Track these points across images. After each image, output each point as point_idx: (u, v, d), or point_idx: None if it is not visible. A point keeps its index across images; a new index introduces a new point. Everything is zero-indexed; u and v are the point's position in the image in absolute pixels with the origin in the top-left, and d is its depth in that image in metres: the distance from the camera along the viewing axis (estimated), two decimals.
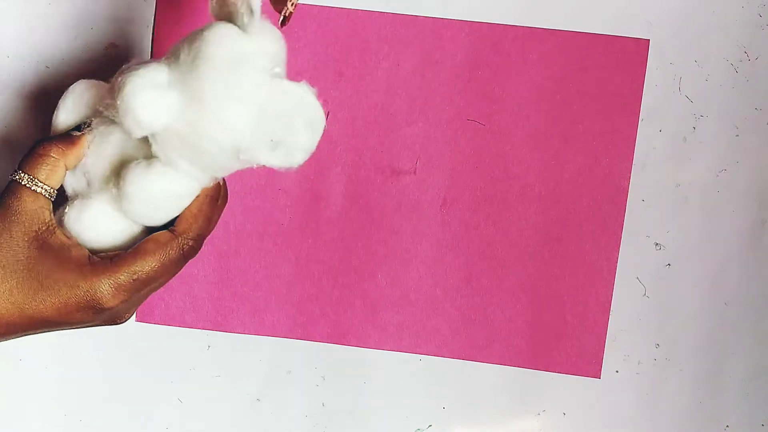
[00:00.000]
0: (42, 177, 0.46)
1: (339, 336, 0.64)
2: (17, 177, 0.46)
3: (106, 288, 0.45)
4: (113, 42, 0.62)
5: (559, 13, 0.60)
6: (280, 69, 0.45)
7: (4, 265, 0.45)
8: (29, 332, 0.46)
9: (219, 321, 0.64)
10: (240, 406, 0.65)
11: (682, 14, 0.61)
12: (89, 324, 0.48)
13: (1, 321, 0.45)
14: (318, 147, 0.61)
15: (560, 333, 0.63)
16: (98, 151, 0.48)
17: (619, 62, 0.60)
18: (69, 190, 0.50)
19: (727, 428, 0.64)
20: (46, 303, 0.45)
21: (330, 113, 0.62)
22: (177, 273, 0.49)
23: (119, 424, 0.66)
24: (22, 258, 0.45)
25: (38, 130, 0.62)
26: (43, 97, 0.62)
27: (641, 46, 0.60)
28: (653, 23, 0.60)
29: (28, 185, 0.46)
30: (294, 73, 0.61)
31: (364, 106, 0.61)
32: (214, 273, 0.63)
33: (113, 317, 0.48)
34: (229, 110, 0.43)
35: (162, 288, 0.64)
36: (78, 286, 0.45)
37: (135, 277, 0.46)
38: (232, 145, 0.44)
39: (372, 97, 0.61)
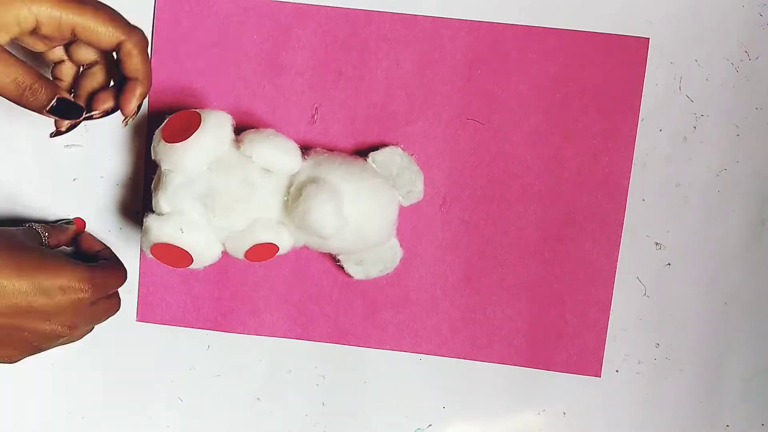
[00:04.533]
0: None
1: (339, 336, 0.64)
2: (39, 229, 0.59)
3: (79, 272, 0.54)
4: None
5: (558, 12, 0.60)
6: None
7: (10, 246, 0.53)
8: None
9: (219, 321, 0.64)
10: (240, 406, 0.65)
11: (682, 13, 0.60)
12: (54, 316, 0.54)
13: None
14: (318, 146, 0.61)
15: (560, 332, 0.63)
16: (239, 201, 0.56)
17: (619, 61, 0.60)
18: (164, 206, 0.55)
19: (727, 428, 0.64)
20: (41, 272, 0.53)
21: (330, 112, 0.62)
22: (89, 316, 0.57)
23: (120, 422, 0.66)
24: (26, 245, 0.55)
25: (37, 129, 0.62)
26: None
27: (641, 45, 0.60)
28: (653, 22, 0.60)
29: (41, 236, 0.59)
30: (294, 73, 0.61)
31: (364, 105, 0.61)
32: (214, 273, 0.63)
33: (71, 318, 0.55)
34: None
35: (163, 287, 0.64)
36: (63, 267, 0.53)
37: (104, 273, 0.56)
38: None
39: (372, 96, 0.61)
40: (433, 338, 0.64)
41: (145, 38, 0.54)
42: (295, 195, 0.56)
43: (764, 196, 0.62)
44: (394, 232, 0.60)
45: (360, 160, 0.59)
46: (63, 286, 0.52)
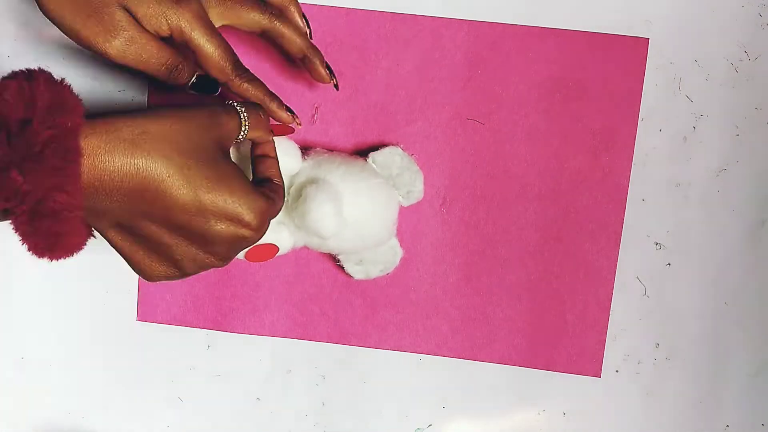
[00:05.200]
0: (250, 130, 0.52)
1: (339, 335, 0.64)
2: (239, 107, 0.51)
3: (256, 207, 0.48)
4: None
5: (558, 12, 0.60)
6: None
7: (195, 148, 0.47)
8: (175, 214, 0.47)
9: (219, 321, 0.64)
10: (240, 405, 0.65)
11: (682, 13, 0.60)
12: (210, 245, 0.49)
13: (170, 189, 0.46)
14: (318, 146, 0.61)
15: (560, 332, 0.63)
16: None
17: (618, 61, 0.60)
18: None
19: (727, 428, 0.64)
20: (211, 193, 0.47)
21: (330, 112, 0.62)
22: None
23: (121, 422, 0.66)
24: (211, 151, 0.48)
25: None
26: None
27: (641, 45, 0.60)
28: (653, 22, 0.60)
29: (241, 118, 0.51)
30: (294, 73, 0.61)
31: (364, 105, 0.61)
32: (214, 273, 0.63)
33: (226, 251, 0.49)
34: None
35: (163, 287, 0.64)
36: (240, 196, 0.48)
37: (273, 212, 0.50)
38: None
39: (371, 96, 0.61)
40: (433, 338, 0.64)
41: (293, 13, 0.56)
42: (294, 196, 0.56)
43: (764, 196, 0.62)
44: (394, 232, 0.60)
45: (360, 160, 0.59)
46: (231, 215, 0.47)
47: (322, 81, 0.57)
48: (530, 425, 0.65)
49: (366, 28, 0.61)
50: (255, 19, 0.54)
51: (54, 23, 0.50)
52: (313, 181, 0.56)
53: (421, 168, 0.61)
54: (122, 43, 0.50)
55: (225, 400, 0.65)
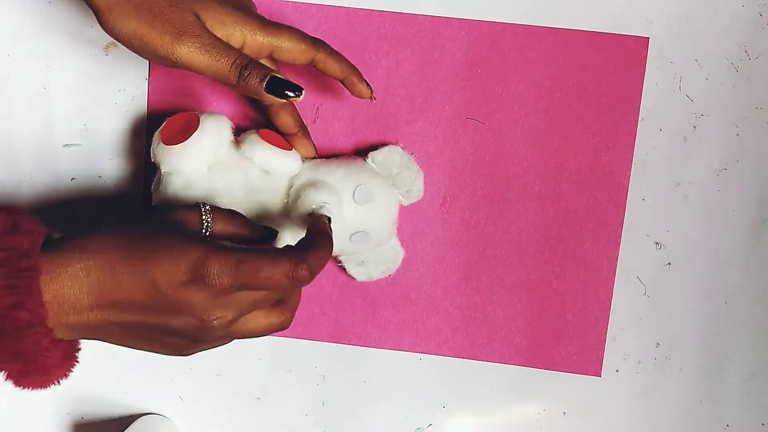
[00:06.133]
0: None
1: (339, 335, 0.64)
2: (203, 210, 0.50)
3: (218, 265, 0.44)
4: (113, 41, 0.62)
5: (558, 11, 0.60)
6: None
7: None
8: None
9: None
10: (240, 405, 0.65)
11: (682, 13, 0.60)
12: (177, 326, 0.46)
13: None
14: (317, 146, 0.61)
15: (560, 331, 0.63)
16: (239, 204, 0.56)
17: (618, 60, 0.60)
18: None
19: (727, 428, 0.64)
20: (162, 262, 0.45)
21: (330, 112, 0.62)
22: (291, 299, 0.50)
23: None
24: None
25: (38, 128, 0.62)
26: (44, 96, 0.62)
27: (641, 44, 0.60)
28: (653, 21, 0.60)
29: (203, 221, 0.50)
30: (294, 73, 0.61)
31: (364, 105, 0.61)
32: None
33: (203, 328, 0.46)
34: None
35: None
36: (198, 252, 0.45)
37: (247, 276, 0.44)
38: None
39: None
40: (433, 337, 0.64)
41: (327, 44, 0.54)
42: (294, 197, 0.56)
43: (764, 196, 0.62)
44: (395, 231, 0.60)
45: (359, 160, 0.59)
46: (179, 276, 0.44)
47: (362, 97, 0.55)
48: (530, 425, 0.65)
49: (366, 28, 0.61)
50: (301, 48, 0.53)
51: (115, 35, 0.50)
52: (312, 184, 0.56)
53: (421, 167, 0.61)
54: (191, 45, 0.49)
55: (225, 400, 0.65)
